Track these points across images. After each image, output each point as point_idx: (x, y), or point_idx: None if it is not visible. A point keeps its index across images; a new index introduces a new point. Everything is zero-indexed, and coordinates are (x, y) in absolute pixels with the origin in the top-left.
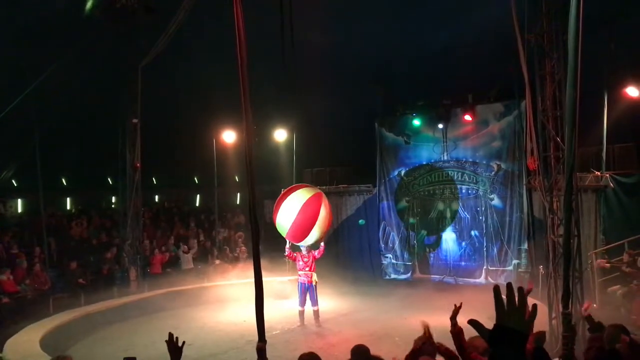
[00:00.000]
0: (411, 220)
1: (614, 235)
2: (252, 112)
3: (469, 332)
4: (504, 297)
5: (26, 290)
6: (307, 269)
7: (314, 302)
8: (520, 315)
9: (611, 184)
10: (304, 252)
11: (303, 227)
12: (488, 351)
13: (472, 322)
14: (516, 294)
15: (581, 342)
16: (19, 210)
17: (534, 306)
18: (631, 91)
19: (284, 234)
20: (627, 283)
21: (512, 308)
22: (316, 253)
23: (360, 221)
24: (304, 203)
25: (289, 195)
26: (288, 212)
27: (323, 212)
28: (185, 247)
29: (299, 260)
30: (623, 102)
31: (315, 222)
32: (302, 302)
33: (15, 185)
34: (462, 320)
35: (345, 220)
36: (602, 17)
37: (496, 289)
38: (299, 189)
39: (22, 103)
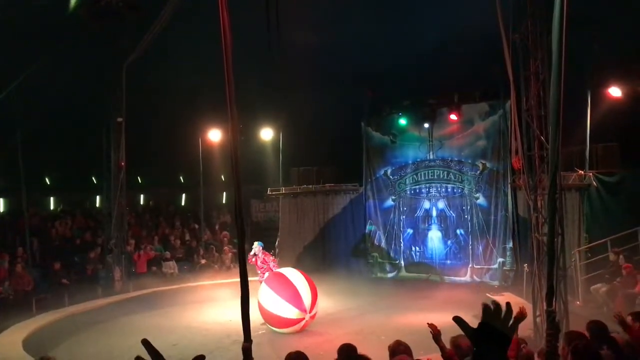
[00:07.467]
0: (400, 219)
1: (597, 233)
2: (238, 110)
3: (454, 330)
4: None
5: (8, 291)
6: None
7: None
8: (505, 319)
9: (594, 183)
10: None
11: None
12: (472, 350)
13: (457, 319)
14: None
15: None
16: (1, 209)
17: (522, 309)
18: (614, 91)
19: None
20: (610, 281)
21: (498, 312)
22: (271, 264)
23: (369, 227)
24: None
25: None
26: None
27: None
28: (168, 253)
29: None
30: (606, 102)
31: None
32: None
33: None
34: (447, 318)
35: (331, 219)
36: (586, 18)
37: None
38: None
39: (5, 101)
